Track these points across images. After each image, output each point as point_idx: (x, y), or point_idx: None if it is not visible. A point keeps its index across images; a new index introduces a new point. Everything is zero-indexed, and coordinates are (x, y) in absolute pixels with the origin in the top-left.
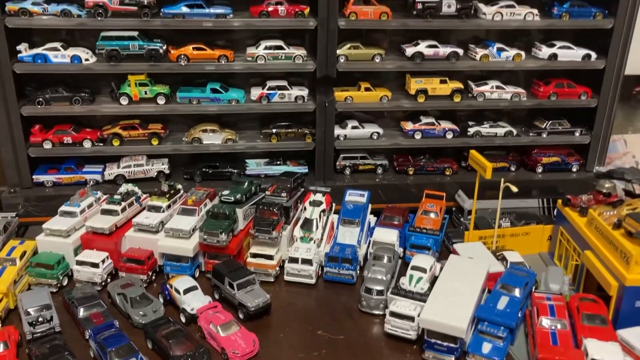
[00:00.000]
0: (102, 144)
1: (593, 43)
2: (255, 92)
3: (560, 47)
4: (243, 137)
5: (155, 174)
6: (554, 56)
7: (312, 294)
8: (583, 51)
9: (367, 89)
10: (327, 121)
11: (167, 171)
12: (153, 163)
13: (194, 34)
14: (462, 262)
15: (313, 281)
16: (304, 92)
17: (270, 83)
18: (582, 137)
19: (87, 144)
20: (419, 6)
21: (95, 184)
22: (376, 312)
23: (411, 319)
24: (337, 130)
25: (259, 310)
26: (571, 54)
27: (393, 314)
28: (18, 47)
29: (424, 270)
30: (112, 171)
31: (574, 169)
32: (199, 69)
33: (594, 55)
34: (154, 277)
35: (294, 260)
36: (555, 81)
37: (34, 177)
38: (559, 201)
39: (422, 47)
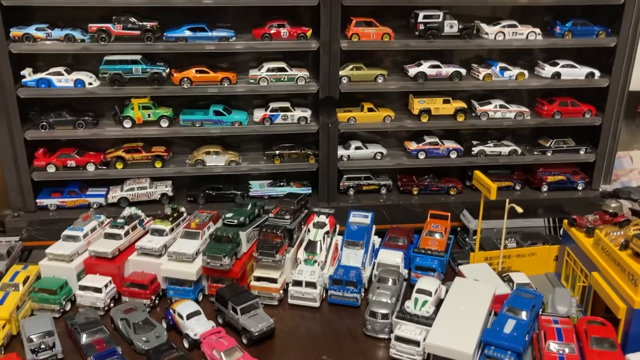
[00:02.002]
0: (105, 167)
1: (596, 61)
2: (258, 114)
3: (563, 66)
4: (246, 158)
5: (159, 196)
6: (557, 75)
7: (316, 317)
8: (586, 69)
9: (370, 110)
10: (330, 142)
11: (170, 193)
12: (156, 186)
13: (196, 57)
14: (468, 284)
15: (317, 304)
16: (307, 113)
17: (273, 105)
18: (587, 155)
19: (90, 167)
20: (421, 27)
21: (99, 207)
22: (381, 335)
23: (417, 343)
24: (341, 151)
25: (263, 335)
26: (574, 73)
27: (398, 339)
28: (22, 72)
29: (429, 294)
30: (115, 194)
31: (580, 187)
32: (201, 91)
33: (597, 73)
34: (157, 301)
35: (297, 283)
36: (559, 100)
37: (37, 200)
38: (565, 221)
39: (425, 67)
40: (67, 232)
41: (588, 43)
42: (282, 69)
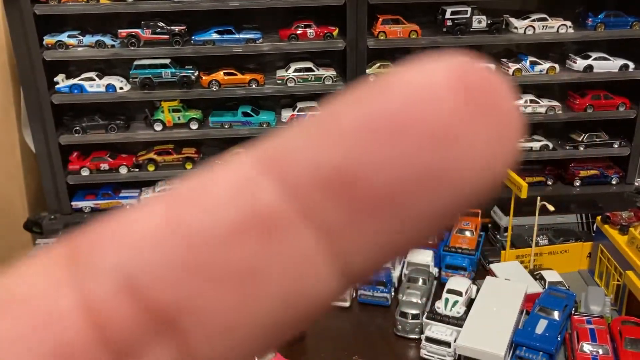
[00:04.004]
0: (137, 170)
1: (630, 52)
2: (286, 114)
3: (595, 59)
4: None
5: None
6: (589, 68)
7: (346, 317)
8: (620, 61)
9: None
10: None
11: None
12: None
13: (224, 59)
14: (499, 284)
15: (347, 304)
16: None
17: (300, 105)
18: (621, 149)
19: (123, 170)
20: (449, 23)
21: None
22: (412, 336)
23: (447, 344)
24: None
25: (294, 336)
26: (608, 65)
27: (429, 340)
28: (55, 79)
29: (459, 294)
30: (148, 195)
31: (614, 182)
32: (230, 93)
33: (631, 65)
34: None
35: None
36: (591, 93)
37: (72, 203)
38: (598, 218)
39: None
40: None
41: (622, 34)
42: (309, 69)
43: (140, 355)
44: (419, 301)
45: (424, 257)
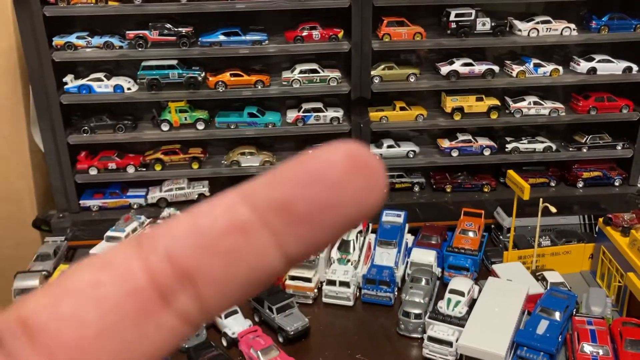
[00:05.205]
0: (144, 169)
1: (634, 55)
2: (291, 115)
3: (599, 61)
4: (280, 158)
5: (196, 196)
6: (593, 70)
7: (350, 316)
8: (624, 64)
9: (402, 109)
10: (362, 141)
11: (207, 194)
12: (194, 186)
13: (231, 61)
14: (501, 284)
15: (351, 303)
16: (339, 113)
17: (305, 105)
18: (624, 151)
19: (130, 169)
20: (453, 25)
21: (139, 208)
22: (414, 335)
23: (449, 344)
24: (373, 150)
25: (299, 334)
26: (611, 67)
27: (431, 339)
28: (64, 79)
29: (462, 294)
30: (154, 195)
31: (617, 184)
32: (236, 94)
33: (635, 67)
34: None
35: (331, 282)
36: (594, 95)
37: (80, 202)
38: (600, 220)
39: (457, 65)
40: (109, 233)
41: (625, 37)
42: (314, 70)
43: (173, 296)
44: (422, 301)
45: (427, 257)
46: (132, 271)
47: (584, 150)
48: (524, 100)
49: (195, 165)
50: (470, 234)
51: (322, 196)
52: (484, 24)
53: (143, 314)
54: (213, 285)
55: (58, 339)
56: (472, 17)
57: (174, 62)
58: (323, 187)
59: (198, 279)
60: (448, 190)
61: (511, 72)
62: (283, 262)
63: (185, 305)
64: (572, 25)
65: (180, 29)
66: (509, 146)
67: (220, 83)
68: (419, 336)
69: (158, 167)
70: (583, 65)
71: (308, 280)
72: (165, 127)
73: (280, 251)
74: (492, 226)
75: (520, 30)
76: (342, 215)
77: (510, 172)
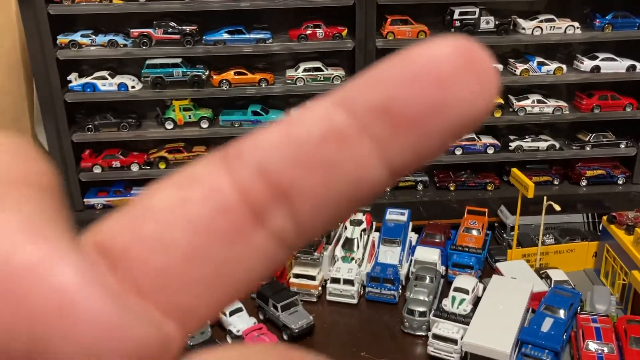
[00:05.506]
0: (149, 167)
1: (638, 53)
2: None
3: (603, 59)
4: None
5: None
6: (596, 68)
7: (354, 314)
8: (627, 62)
9: None
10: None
11: None
12: None
13: (235, 59)
14: (505, 282)
15: (355, 301)
16: None
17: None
18: (628, 149)
19: (134, 168)
20: (457, 23)
21: None
22: (419, 333)
23: (454, 341)
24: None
25: (303, 332)
26: (615, 66)
27: (436, 337)
28: (68, 77)
29: (466, 292)
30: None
31: (620, 182)
32: (240, 92)
33: (639, 66)
34: None
35: (335, 280)
36: (598, 93)
37: (85, 200)
38: (604, 218)
39: None
40: None
41: (629, 35)
42: (318, 69)
43: (267, 214)
44: (426, 299)
45: (431, 255)
46: (221, 187)
47: (588, 148)
48: (528, 98)
49: None
50: (474, 232)
51: (429, 96)
52: (487, 23)
53: (235, 235)
54: (310, 202)
55: (143, 264)
56: (476, 16)
57: (178, 60)
58: (430, 85)
59: (294, 195)
60: (452, 188)
61: (515, 70)
62: (386, 174)
63: (280, 224)
64: (576, 24)
65: (184, 27)
66: (513, 144)
67: (224, 81)
68: (424, 334)
69: (162, 165)
70: (587, 64)
71: (312, 278)
72: (169, 125)
73: (384, 161)
74: (496, 224)
75: (524, 28)
76: (451, 118)
77: (515, 170)
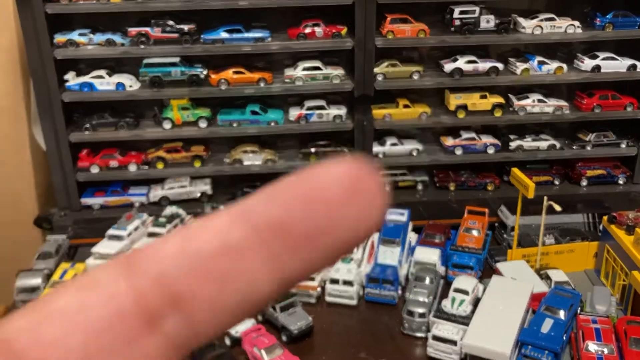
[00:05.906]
0: (146, 167)
1: (638, 53)
2: (294, 113)
3: (603, 59)
4: (282, 156)
5: (199, 194)
6: (597, 68)
7: (353, 315)
8: (628, 61)
9: (405, 106)
10: (365, 139)
11: (209, 192)
12: (196, 184)
13: (233, 58)
14: (505, 283)
15: (354, 302)
16: (342, 111)
17: (308, 103)
18: (628, 149)
19: (132, 167)
20: (457, 22)
21: (141, 206)
22: (418, 334)
23: (454, 343)
24: (376, 148)
25: (302, 333)
26: (615, 65)
27: (435, 338)
28: (65, 76)
29: (466, 293)
30: (156, 193)
31: (621, 182)
32: (239, 92)
33: (639, 65)
34: None
35: (334, 281)
36: (599, 93)
37: (82, 200)
38: (604, 218)
39: (461, 63)
40: (111, 231)
41: (630, 35)
42: (317, 68)
43: (161, 320)
44: (426, 300)
45: (431, 255)
46: (119, 293)
47: (588, 148)
48: (528, 98)
49: (197, 164)
50: (474, 233)
51: (319, 217)
52: (488, 22)
53: (130, 339)
54: (204, 309)
55: None
56: (476, 15)
57: (176, 59)
58: (320, 207)
59: (188, 303)
60: (452, 188)
61: (515, 70)
62: (277, 286)
63: (174, 329)
64: (576, 23)
65: (182, 26)
66: (513, 144)
67: (222, 81)
68: (423, 335)
69: (160, 165)
70: (587, 63)
71: (311, 279)
72: (167, 125)
73: (275, 274)
74: (496, 224)
75: (524, 27)
76: (339, 237)
77: (515, 170)
